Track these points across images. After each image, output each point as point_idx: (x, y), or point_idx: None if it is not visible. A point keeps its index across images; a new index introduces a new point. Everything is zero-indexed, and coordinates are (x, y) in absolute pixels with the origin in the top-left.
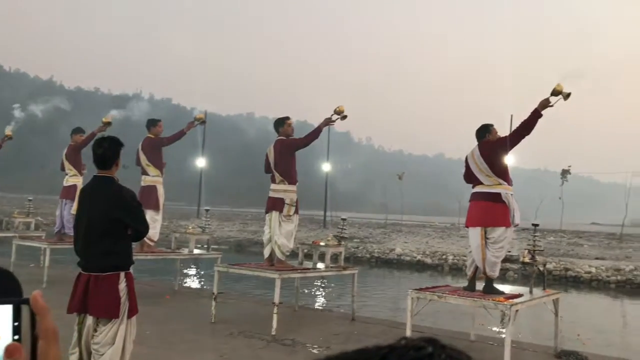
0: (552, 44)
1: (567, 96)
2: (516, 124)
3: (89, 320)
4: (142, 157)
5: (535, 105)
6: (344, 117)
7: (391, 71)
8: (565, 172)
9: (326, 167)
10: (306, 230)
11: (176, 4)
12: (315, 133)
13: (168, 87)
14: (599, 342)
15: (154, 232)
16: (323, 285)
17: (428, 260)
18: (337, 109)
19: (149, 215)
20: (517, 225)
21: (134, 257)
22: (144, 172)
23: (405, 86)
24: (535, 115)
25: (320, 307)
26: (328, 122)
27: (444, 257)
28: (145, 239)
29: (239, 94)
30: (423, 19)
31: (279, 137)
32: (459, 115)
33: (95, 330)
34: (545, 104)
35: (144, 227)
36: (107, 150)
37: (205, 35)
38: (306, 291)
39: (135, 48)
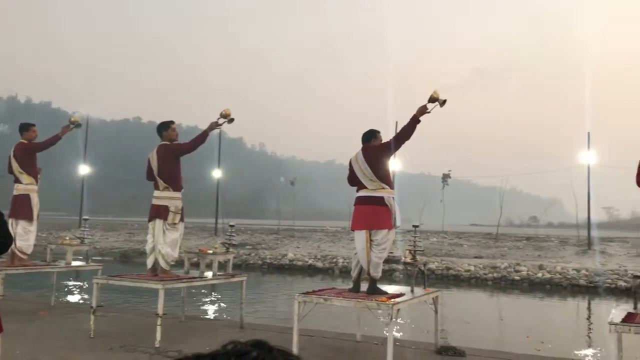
0: (427, 55)
1: (443, 103)
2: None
3: None
4: (15, 164)
5: (414, 111)
6: (231, 120)
7: (285, 80)
8: (445, 177)
9: (217, 173)
10: (197, 239)
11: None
12: (202, 137)
13: (47, 89)
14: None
15: (26, 244)
16: (213, 294)
17: (319, 264)
18: (224, 112)
19: (22, 225)
20: (398, 227)
21: (4, 272)
22: (17, 180)
23: (296, 94)
24: (414, 121)
25: (208, 317)
26: (215, 125)
27: (334, 260)
28: (16, 251)
29: (125, 98)
30: (318, 31)
31: (162, 142)
32: (349, 122)
33: None
34: (423, 110)
35: (7, 239)
36: None
37: (90, 34)
38: (194, 300)
39: (12, 45)
